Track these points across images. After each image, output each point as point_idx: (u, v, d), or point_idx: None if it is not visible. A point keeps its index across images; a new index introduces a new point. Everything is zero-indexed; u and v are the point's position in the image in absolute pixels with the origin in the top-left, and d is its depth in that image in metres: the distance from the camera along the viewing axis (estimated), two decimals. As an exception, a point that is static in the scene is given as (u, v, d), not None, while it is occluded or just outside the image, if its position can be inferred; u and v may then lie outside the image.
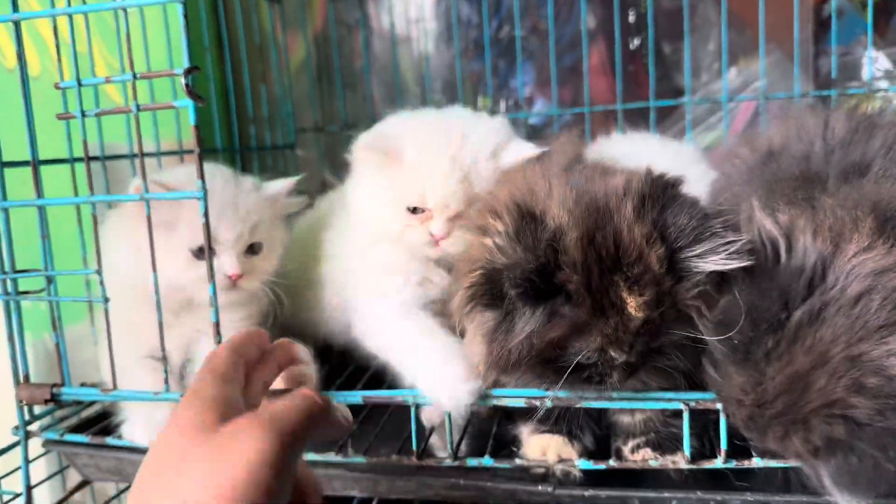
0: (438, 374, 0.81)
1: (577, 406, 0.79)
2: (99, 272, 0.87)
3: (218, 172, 0.95)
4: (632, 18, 1.53)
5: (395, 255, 0.92)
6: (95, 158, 1.04)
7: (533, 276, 0.67)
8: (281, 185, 1.00)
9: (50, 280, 0.91)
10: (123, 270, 0.91)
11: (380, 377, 0.97)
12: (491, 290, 0.70)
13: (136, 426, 0.92)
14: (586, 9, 1.40)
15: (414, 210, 0.88)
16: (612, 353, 0.69)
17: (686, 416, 0.76)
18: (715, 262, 0.66)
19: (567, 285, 0.67)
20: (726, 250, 0.65)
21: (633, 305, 0.67)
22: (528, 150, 0.89)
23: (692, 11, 1.46)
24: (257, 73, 1.50)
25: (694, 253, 0.67)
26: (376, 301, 0.92)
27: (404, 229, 0.89)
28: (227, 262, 0.91)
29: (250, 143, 1.48)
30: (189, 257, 0.90)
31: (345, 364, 1.04)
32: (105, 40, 1.22)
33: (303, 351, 0.69)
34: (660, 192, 0.69)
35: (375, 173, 0.91)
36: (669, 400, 0.77)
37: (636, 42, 1.54)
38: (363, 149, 0.91)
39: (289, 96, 1.52)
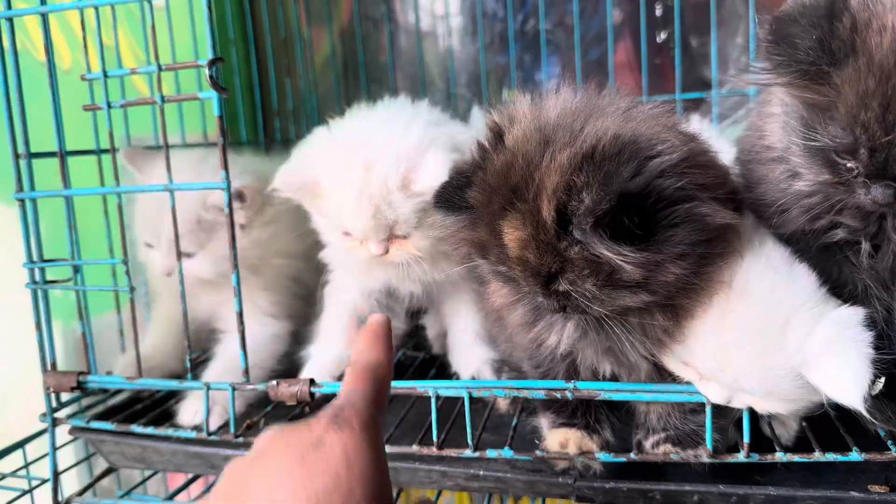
0: None
1: (597, 399, 0.79)
2: (125, 262, 0.88)
3: None
4: (658, 12, 1.52)
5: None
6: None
7: (448, 190, 0.70)
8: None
9: (77, 269, 0.93)
10: None
11: (400, 368, 0.98)
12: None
13: (185, 408, 0.96)
14: (612, 2, 1.39)
15: (347, 234, 0.89)
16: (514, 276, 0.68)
17: (709, 410, 0.76)
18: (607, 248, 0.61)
19: (472, 202, 0.68)
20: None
21: (509, 239, 0.65)
22: (441, 169, 0.82)
23: (720, 4, 1.45)
24: (282, 67, 1.51)
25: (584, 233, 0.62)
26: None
27: (348, 249, 0.91)
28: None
29: (275, 136, 1.49)
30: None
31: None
32: (134, 34, 1.24)
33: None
34: (612, 160, 0.62)
35: (306, 202, 0.93)
36: (692, 393, 0.76)
37: (662, 35, 1.52)
38: (285, 190, 0.91)
39: (314, 90, 1.53)
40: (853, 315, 0.65)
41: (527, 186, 0.64)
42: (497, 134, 0.70)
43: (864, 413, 0.62)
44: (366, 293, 1.00)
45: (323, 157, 0.90)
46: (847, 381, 0.62)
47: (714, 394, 0.73)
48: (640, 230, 0.61)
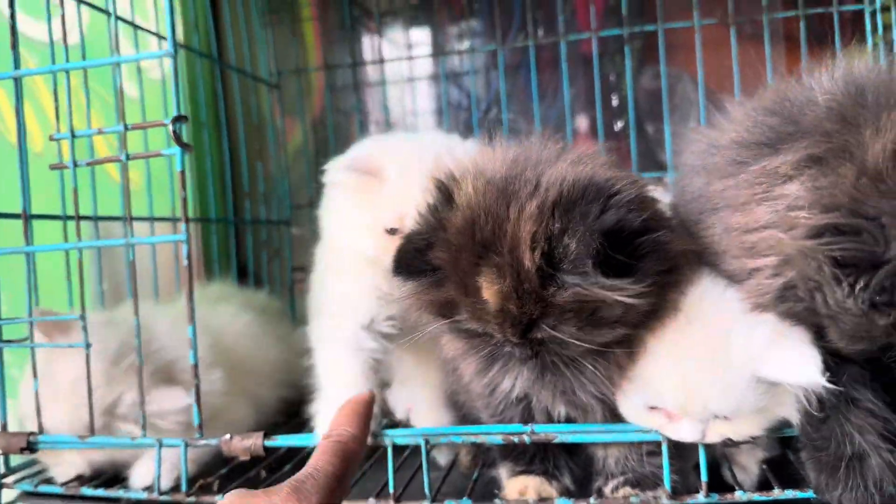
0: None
1: (554, 442, 0.78)
2: (83, 318, 0.88)
3: None
4: (615, 102, 1.60)
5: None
6: (87, 218, 1.07)
7: (407, 254, 0.71)
8: None
9: (33, 327, 0.92)
10: None
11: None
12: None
13: (137, 468, 0.94)
14: (569, 93, 1.46)
15: (392, 231, 0.86)
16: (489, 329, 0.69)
17: (665, 448, 0.75)
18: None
19: (437, 262, 0.69)
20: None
21: (489, 293, 0.66)
22: None
23: (671, 92, 1.53)
24: (254, 151, 1.55)
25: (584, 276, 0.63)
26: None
27: (382, 252, 0.85)
28: None
29: (245, 215, 1.51)
30: None
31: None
32: (108, 96, 1.26)
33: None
34: (578, 203, 0.65)
35: (353, 196, 0.90)
36: (647, 432, 0.76)
37: (620, 124, 1.60)
38: (343, 170, 0.89)
39: (286, 175, 1.57)
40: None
41: (498, 240, 0.65)
42: (445, 193, 0.72)
43: (826, 385, 0.64)
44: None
45: (388, 149, 0.91)
46: (801, 362, 0.65)
47: (687, 432, 0.73)
48: (623, 264, 0.63)
